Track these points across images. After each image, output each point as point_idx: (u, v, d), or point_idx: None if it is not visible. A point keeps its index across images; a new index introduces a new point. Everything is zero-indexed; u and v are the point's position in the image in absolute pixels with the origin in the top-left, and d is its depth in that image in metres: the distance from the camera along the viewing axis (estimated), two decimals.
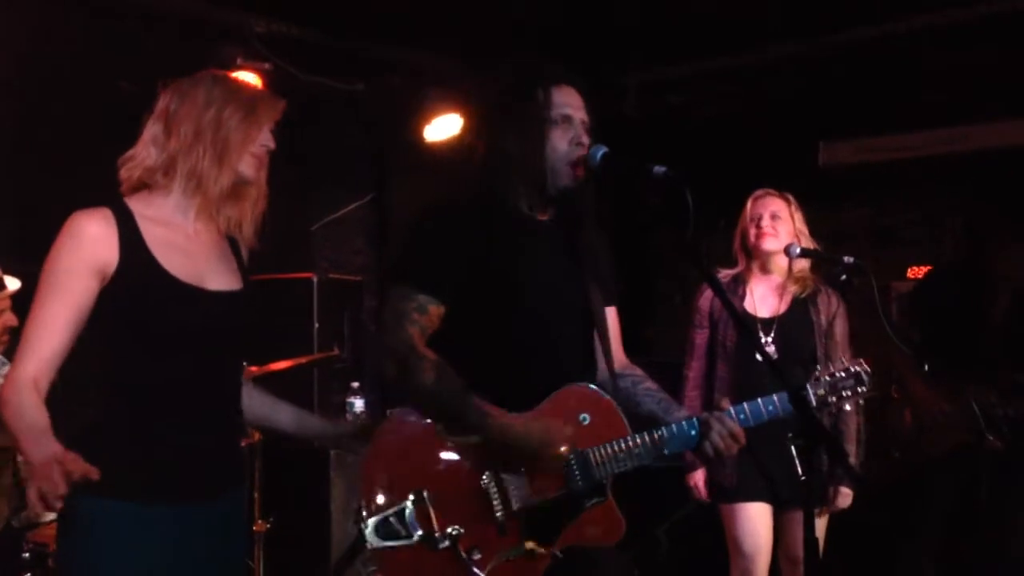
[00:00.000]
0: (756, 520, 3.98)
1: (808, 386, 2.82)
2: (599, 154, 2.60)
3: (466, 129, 2.98)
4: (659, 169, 2.46)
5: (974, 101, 5.84)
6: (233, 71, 5.16)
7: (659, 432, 2.61)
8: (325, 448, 2.83)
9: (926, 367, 4.59)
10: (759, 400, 2.68)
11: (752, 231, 4.04)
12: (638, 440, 2.59)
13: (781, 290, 4.05)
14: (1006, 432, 4.41)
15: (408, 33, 5.82)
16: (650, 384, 2.81)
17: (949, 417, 4.55)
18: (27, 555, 3.63)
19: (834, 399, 2.83)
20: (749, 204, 4.09)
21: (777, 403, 2.68)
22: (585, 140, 2.64)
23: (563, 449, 2.52)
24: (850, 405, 2.94)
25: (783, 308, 4.03)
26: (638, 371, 2.84)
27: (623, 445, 2.59)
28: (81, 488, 2.20)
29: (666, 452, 2.62)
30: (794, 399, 2.44)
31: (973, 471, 4.53)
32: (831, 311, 4.04)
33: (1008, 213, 4.83)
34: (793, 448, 3.84)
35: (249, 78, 5.19)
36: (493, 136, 2.68)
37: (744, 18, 5.64)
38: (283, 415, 2.73)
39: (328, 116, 6.17)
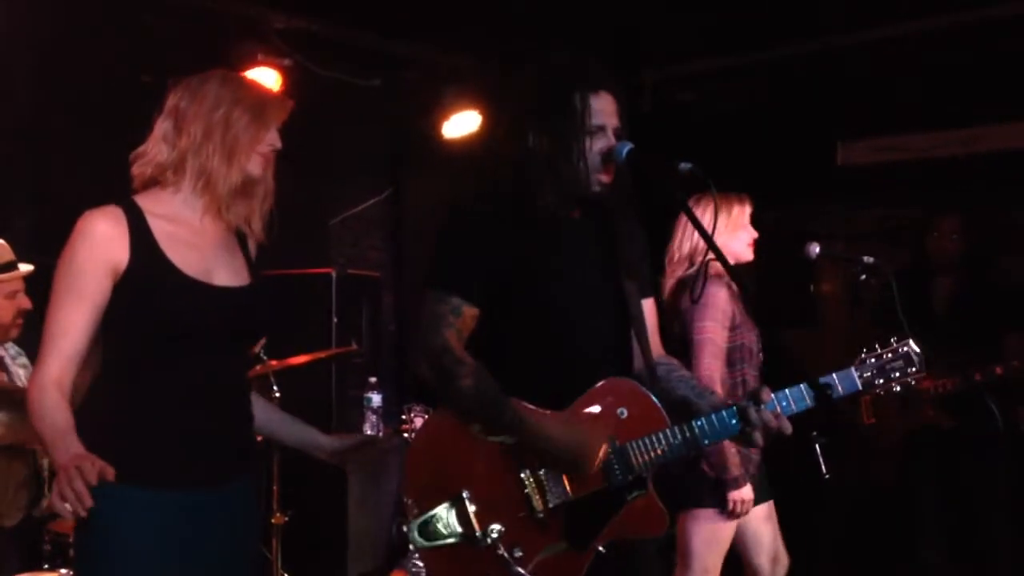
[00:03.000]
0: (731, 532, 3.88)
1: (853, 369, 2.73)
2: (624, 150, 2.59)
3: (494, 124, 2.93)
4: (685, 165, 2.46)
5: (993, 101, 5.81)
6: (252, 66, 5.19)
7: (699, 423, 2.58)
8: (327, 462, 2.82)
9: None
10: (800, 387, 2.63)
11: (749, 240, 3.95)
12: (677, 432, 2.58)
13: None
14: (957, 411, 4.72)
15: (426, 29, 5.83)
16: (684, 372, 2.80)
17: (898, 403, 4.80)
18: (47, 546, 3.65)
19: (881, 381, 2.74)
20: (748, 210, 3.97)
21: (837, 382, 2.68)
22: None
23: (600, 455, 2.50)
24: (899, 388, 2.77)
25: None
26: (673, 360, 2.83)
27: (662, 438, 2.58)
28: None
29: (706, 443, 2.60)
30: (821, 400, 2.42)
31: (939, 451, 4.85)
32: None
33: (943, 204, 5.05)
34: (818, 447, 3.82)
35: (268, 73, 5.22)
36: (526, 137, 2.63)
37: (761, 16, 5.63)
38: (283, 426, 2.74)
39: (346, 112, 6.18)
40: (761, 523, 3.97)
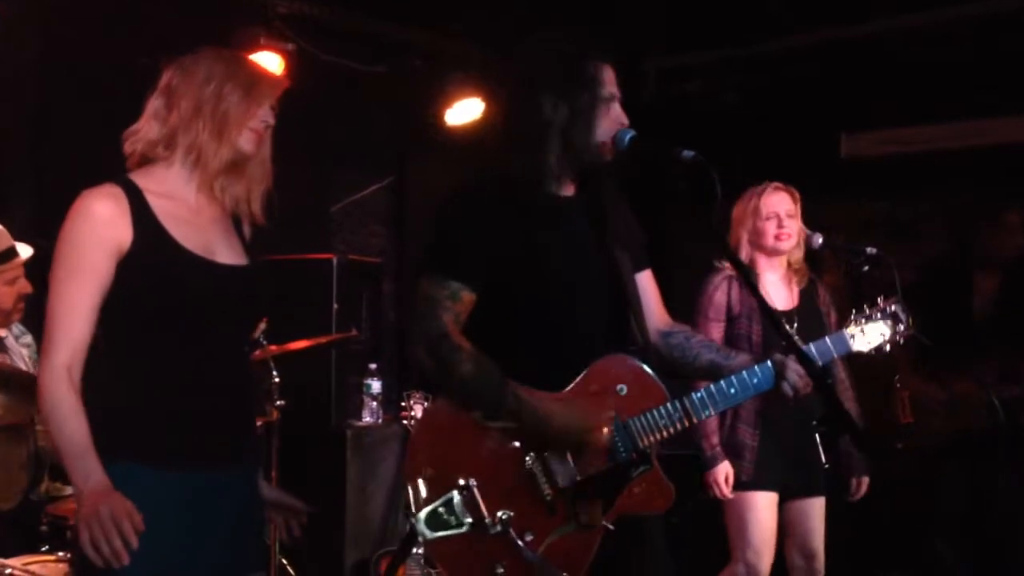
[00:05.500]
0: (766, 511, 3.92)
1: (844, 331, 2.82)
2: (627, 137, 2.60)
3: (496, 103, 2.92)
4: (687, 153, 2.45)
5: (999, 94, 5.80)
6: (255, 51, 5.17)
7: (698, 395, 2.62)
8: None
9: (927, 358, 4.60)
10: (825, 339, 2.77)
11: (771, 230, 3.94)
12: (678, 405, 2.61)
13: (788, 282, 4.02)
14: (1002, 417, 4.42)
15: (430, 16, 5.82)
16: (702, 336, 2.82)
17: (944, 406, 4.65)
18: (45, 528, 3.65)
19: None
20: (763, 198, 3.97)
21: (830, 345, 2.77)
22: (626, 120, 2.64)
23: (604, 431, 2.53)
24: (889, 347, 2.85)
25: (795, 301, 4.00)
26: (685, 327, 2.85)
27: (663, 412, 2.60)
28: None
29: (706, 414, 2.63)
30: (822, 386, 2.45)
31: (978, 456, 4.62)
32: (827, 299, 4.08)
33: (988, 199, 4.89)
34: (818, 436, 3.84)
35: (271, 58, 5.21)
36: (536, 105, 2.62)
37: (766, 6, 5.62)
38: None
39: (349, 98, 6.17)
40: (801, 516, 3.97)
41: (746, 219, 4.00)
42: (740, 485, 3.92)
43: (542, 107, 2.61)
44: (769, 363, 2.65)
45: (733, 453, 3.88)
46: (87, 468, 2.23)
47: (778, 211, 3.96)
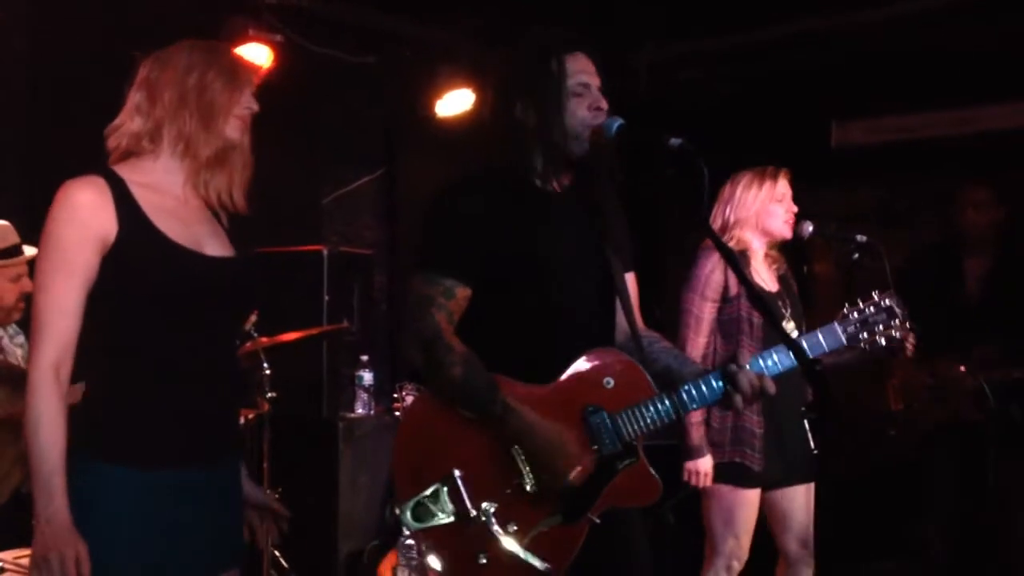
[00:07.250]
0: (755, 504, 3.87)
1: (836, 324, 2.77)
2: (615, 126, 2.60)
3: (479, 103, 2.95)
4: (675, 141, 2.46)
5: (989, 82, 5.81)
6: (243, 42, 5.15)
7: (685, 389, 2.62)
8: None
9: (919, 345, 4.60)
10: (816, 333, 2.72)
11: (782, 213, 3.89)
12: (665, 399, 2.61)
13: (768, 266, 3.98)
14: (990, 403, 4.45)
15: (421, 7, 5.81)
16: (665, 343, 2.83)
17: (931, 393, 4.64)
18: None
19: (865, 335, 2.77)
20: (780, 182, 3.91)
21: (821, 339, 2.73)
22: (604, 105, 2.65)
23: (571, 476, 2.53)
24: (884, 341, 2.80)
25: (777, 285, 3.96)
26: (654, 334, 2.85)
27: (650, 406, 2.61)
28: (80, 453, 2.26)
29: (693, 407, 2.63)
30: (812, 375, 2.44)
31: (967, 444, 4.60)
32: (796, 290, 4.04)
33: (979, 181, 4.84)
34: (807, 422, 3.82)
35: (260, 50, 5.19)
36: (508, 109, 2.67)
37: None
38: None
39: (339, 90, 6.16)
40: (792, 504, 3.91)
41: (757, 200, 3.91)
42: (747, 479, 3.79)
43: (514, 110, 2.65)
44: (719, 371, 2.62)
45: (739, 442, 3.76)
46: (51, 489, 2.20)
47: (787, 194, 3.93)
